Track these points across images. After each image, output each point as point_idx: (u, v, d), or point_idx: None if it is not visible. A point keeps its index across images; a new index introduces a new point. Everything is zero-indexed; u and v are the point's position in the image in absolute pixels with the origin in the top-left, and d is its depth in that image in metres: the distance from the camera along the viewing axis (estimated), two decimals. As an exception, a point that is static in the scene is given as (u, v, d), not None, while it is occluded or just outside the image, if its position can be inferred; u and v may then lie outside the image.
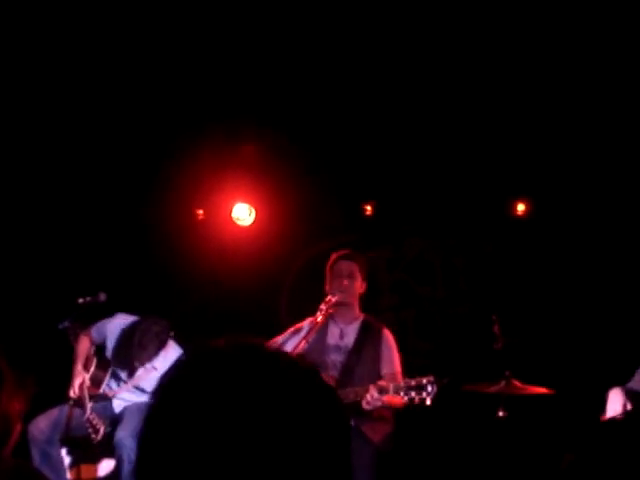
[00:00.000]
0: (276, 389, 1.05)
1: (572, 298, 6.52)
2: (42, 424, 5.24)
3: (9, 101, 6.32)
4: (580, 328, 6.38)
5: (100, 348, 5.68)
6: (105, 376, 5.52)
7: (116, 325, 5.54)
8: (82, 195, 7.01)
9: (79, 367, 5.46)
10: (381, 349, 5.03)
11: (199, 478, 1.01)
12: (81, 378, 5.38)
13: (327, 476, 1.06)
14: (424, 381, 4.36)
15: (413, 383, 4.39)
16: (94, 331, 5.68)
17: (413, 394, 4.37)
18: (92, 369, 5.51)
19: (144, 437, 1.08)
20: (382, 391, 4.51)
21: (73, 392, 5.35)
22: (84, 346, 5.64)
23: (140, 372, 5.40)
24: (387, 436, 4.90)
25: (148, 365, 5.31)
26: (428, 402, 4.32)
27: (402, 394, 4.42)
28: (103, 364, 5.58)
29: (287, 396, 1.05)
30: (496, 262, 6.97)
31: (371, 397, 4.51)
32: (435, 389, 4.34)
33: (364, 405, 4.56)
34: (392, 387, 4.48)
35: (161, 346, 5.24)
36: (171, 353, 5.36)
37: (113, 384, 5.53)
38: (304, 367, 1.12)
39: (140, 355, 5.23)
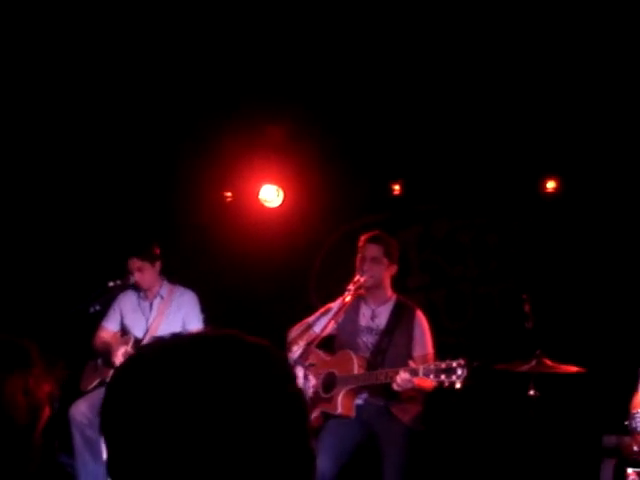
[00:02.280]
0: (223, 372, 1.08)
1: (603, 276, 6.45)
2: (83, 407, 5.34)
3: (41, 84, 6.37)
4: (611, 306, 6.31)
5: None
6: None
7: (124, 300, 5.78)
8: (111, 179, 7.05)
9: (115, 345, 5.54)
10: (414, 331, 5.00)
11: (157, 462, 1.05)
12: (123, 348, 5.46)
13: (283, 453, 1.08)
14: (454, 364, 4.29)
15: (443, 366, 4.33)
16: (106, 323, 5.78)
17: (443, 377, 4.32)
18: (131, 342, 5.59)
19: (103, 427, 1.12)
20: (412, 373, 4.49)
21: (118, 361, 5.42)
22: (105, 337, 5.71)
23: (155, 304, 5.70)
24: (417, 416, 4.90)
25: (158, 297, 5.72)
26: (458, 385, 4.27)
27: (432, 377, 4.38)
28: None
29: (234, 376, 1.08)
30: (526, 240, 6.91)
31: (401, 379, 4.49)
32: (465, 372, 4.27)
33: (394, 387, 4.55)
34: (422, 369, 4.44)
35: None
36: (177, 287, 5.79)
37: None
38: (255, 346, 1.14)
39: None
